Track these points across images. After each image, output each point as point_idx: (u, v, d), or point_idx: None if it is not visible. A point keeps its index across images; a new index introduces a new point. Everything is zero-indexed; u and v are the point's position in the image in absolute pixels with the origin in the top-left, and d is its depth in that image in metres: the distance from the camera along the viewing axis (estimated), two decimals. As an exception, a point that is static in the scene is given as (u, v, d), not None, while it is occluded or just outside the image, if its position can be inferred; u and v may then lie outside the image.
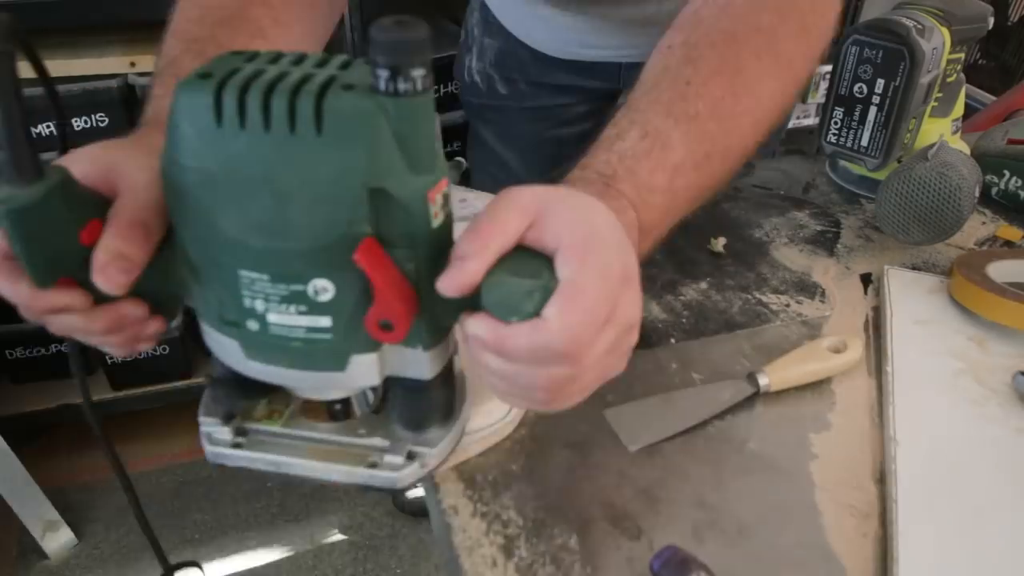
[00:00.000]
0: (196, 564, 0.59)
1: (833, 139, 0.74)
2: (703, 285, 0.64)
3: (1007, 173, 0.75)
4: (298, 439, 0.43)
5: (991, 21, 0.72)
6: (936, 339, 0.56)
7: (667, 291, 0.63)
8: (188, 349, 1.50)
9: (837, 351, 0.54)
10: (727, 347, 0.57)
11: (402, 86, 0.31)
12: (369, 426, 0.43)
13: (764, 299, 0.63)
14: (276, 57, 0.34)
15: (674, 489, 0.46)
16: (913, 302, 0.60)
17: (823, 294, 0.63)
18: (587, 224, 0.35)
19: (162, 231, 0.36)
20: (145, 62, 1.24)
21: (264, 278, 0.34)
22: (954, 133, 0.76)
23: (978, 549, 0.42)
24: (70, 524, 1.40)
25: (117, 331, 0.38)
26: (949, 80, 0.72)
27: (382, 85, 0.31)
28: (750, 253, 0.68)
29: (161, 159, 0.34)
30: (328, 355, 0.36)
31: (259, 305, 0.35)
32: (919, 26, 0.66)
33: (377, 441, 0.42)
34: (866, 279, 0.65)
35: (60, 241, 0.35)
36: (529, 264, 0.34)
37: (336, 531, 1.46)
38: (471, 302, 0.34)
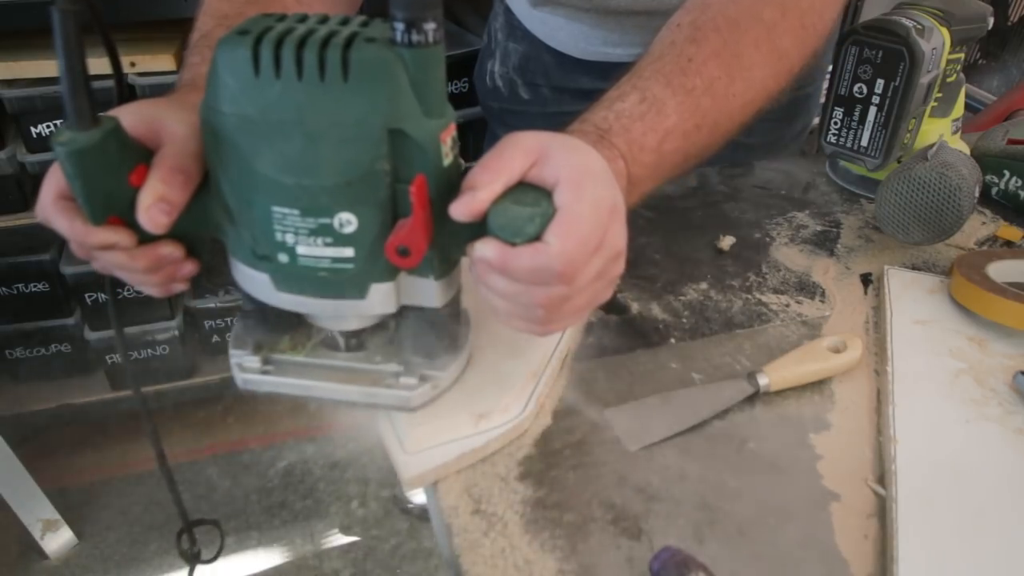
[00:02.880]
0: (215, 523, 0.63)
1: (833, 139, 0.74)
2: (703, 285, 0.64)
3: (1007, 173, 0.75)
4: (320, 367, 0.47)
5: (991, 21, 0.72)
6: (936, 339, 0.56)
7: (667, 291, 0.63)
8: (188, 350, 1.50)
9: (837, 351, 0.54)
10: (727, 347, 0.57)
11: (416, 37, 0.36)
12: (384, 354, 0.47)
13: (764, 299, 0.63)
14: (303, 18, 0.39)
15: (674, 489, 0.46)
16: (913, 302, 0.60)
17: (823, 294, 0.63)
18: (582, 163, 0.40)
19: (199, 178, 0.41)
20: (145, 62, 1.24)
21: (295, 213, 0.38)
22: (954, 133, 0.76)
23: (978, 549, 0.42)
24: (70, 524, 1.40)
25: (156, 270, 0.43)
26: (949, 80, 0.72)
27: (399, 37, 0.36)
28: (750, 253, 0.69)
29: (201, 109, 0.39)
30: (351, 284, 0.41)
31: (289, 239, 0.39)
32: (919, 26, 0.66)
33: (392, 366, 0.46)
34: (866, 279, 0.65)
35: (112, 182, 0.39)
36: (531, 195, 0.39)
37: (337, 531, 1.46)
38: (476, 234, 0.39)
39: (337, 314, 0.45)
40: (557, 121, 0.91)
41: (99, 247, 0.41)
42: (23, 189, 1.32)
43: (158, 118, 0.41)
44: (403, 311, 0.45)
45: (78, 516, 1.44)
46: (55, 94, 1.22)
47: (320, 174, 0.37)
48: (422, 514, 1.47)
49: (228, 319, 1.55)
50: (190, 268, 0.44)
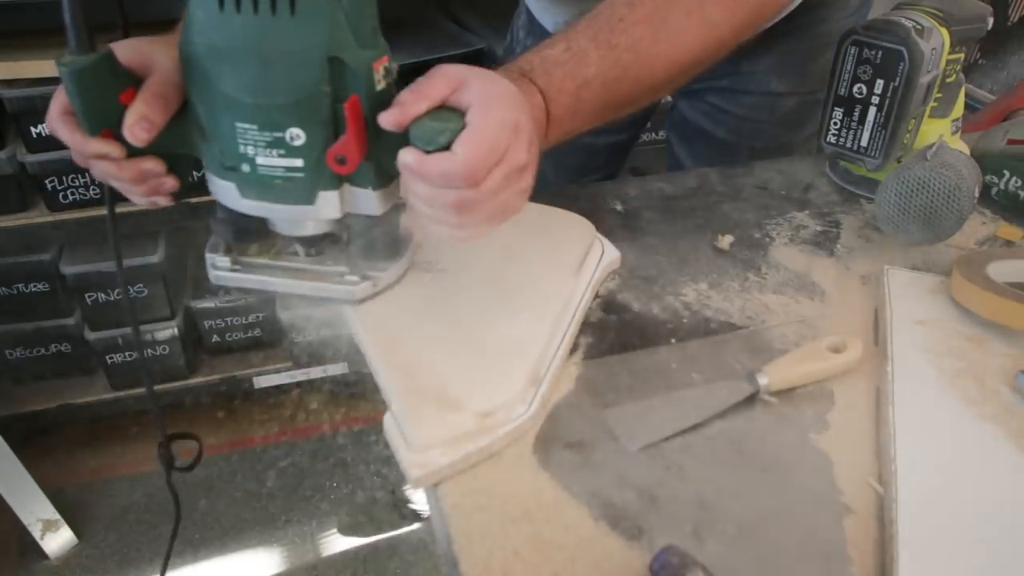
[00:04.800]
0: (194, 437, 0.69)
1: (833, 139, 0.74)
2: (703, 285, 0.64)
3: (1007, 173, 0.75)
4: (281, 268, 0.57)
5: (991, 21, 0.72)
6: (936, 339, 0.56)
7: (667, 291, 0.63)
8: (188, 350, 1.50)
9: (837, 351, 0.54)
10: (727, 347, 0.57)
11: None
12: (336, 260, 0.56)
13: (764, 299, 0.63)
14: None
15: (674, 489, 0.46)
16: (913, 302, 0.60)
17: (823, 294, 0.63)
18: (493, 89, 0.48)
19: (178, 104, 0.49)
20: None
21: (254, 128, 0.46)
22: (954, 133, 0.76)
23: (978, 549, 0.42)
24: (70, 524, 1.40)
25: (140, 182, 0.51)
26: (948, 80, 0.72)
27: None
28: (750, 253, 0.69)
29: (179, 40, 0.46)
30: (301, 190, 0.49)
31: (250, 151, 0.47)
32: (918, 26, 0.66)
33: (341, 268, 0.56)
34: (866, 279, 0.65)
35: (104, 100, 0.47)
36: (447, 114, 0.46)
37: (336, 531, 1.46)
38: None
39: (292, 218, 0.53)
40: None
41: (93, 156, 0.49)
42: (23, 189, 1.32)
43: (148, 52, 0.49)
44: (353, 225, 0.55)
45: (78, 516, 1.44)
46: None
47: (273, 94, 0.45)
48: (423, 515, 1.47)
49: (228, 319, 1.55)
50: (171, 183, 0.52)
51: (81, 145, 0.49)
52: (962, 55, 0.72)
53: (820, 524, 0.44)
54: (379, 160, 0.49)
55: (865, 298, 0.63)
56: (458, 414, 0.48)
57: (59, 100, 0.49)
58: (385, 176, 0.50)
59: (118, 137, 0.48)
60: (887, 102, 0.68)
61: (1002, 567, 0.41)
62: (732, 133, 0.91)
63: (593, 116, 0.58)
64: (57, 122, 0.49)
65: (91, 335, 1.44)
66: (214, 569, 1.40)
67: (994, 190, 0.76)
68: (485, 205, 0.48)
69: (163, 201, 0.54)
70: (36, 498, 1.34)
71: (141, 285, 1.40)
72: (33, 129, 1.26)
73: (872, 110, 0.69)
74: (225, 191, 0.50)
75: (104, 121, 0.48)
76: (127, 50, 0.49)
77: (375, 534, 1.46)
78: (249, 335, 1.59)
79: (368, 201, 0.51)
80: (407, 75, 0.49)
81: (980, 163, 0.67)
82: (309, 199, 0.49)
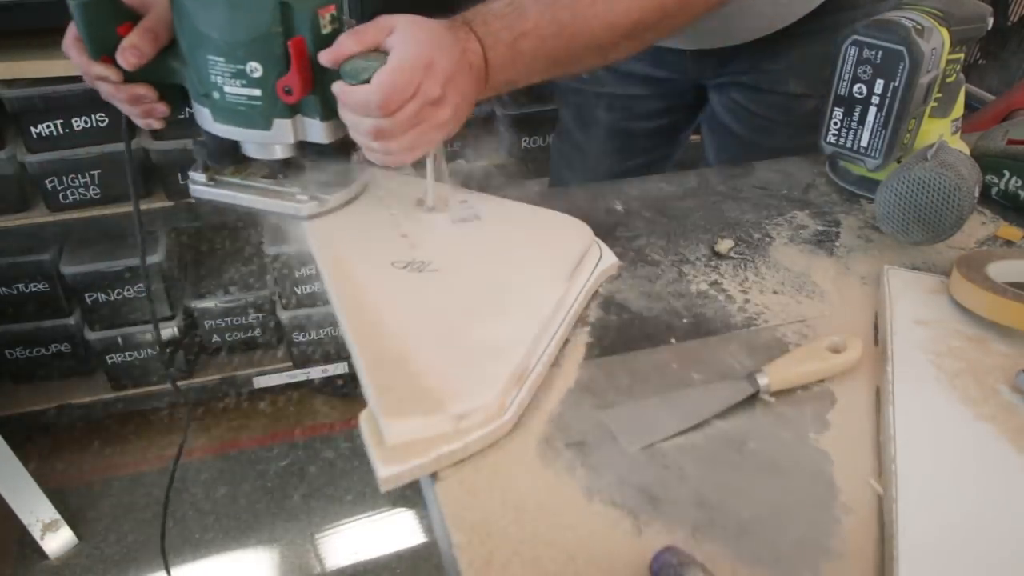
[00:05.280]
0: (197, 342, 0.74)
1: (833, 139, 0.74)
2: (703, 286, 0.64)
3: (1007, 173, 0.75)
4: (248, 187, 0.66)
5: (991, 21, 0.72)
6: (936, 339, 0.56)
7: (667, 291, 0.63)
8: (188, 350, 1.50)
9: (837, 351, 0.54)
10: (727, 347, 0.57)
11: None
12: (295, 182, 0.66)
13: (764, 299, 0.63)
14: None
15: (674, 489, 0.46)
16: (913, 302, 0.60)
17: (823, 294, 0.63)
18: (415, 33, 0.54)
19: (166, 39, 0.58)
20: None
21: (221, 60, 0.56)
22: (954, 133, 0.76)
23: (978, 549, 0.42)
24: (70, 524, 1.40)
25: (136, 104, 0.60)
26: (949, 80, 0.72)
27: None
28: (750, 253, 0.69)
29: None
30: (260, 117, 0.58)
31: (219, 80, 0.57)
32: (918, 26, 0.66)
33: (296, 189, 0.65)
34: (866, 279, 0.65)
35: (105, 30, 0.56)
36: (374, 55, 0.54)
37: (337, 531, 1.46)
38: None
39: (254, 141, 0.61)
40: (610, 103, 1.02)
41: (96, 77, 0.58)
42: (23, 189, 1.32)
43: None
44: (308, 148, 0.61)
45: (78, 516, 1.44)
46: (55, 94, 1.22)
47: (236, 32, 0.54)
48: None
49: (228, 319, 1.55)
50: (162, 109, 0.61)
51: (86, 67, 0.58)
52: (962, 55, 0.72)
53: (820, 524, 0.44)
54: (324, 94, 0.57)
55: (865, 298, 0.63)
56: (434, 416, 0.47)
57: (73, 28, 0.57)
58: (331, 109, 0.58)
59: (118, 64, 0.57)
60: (887, 102, 0.68)
61: (1001, 567, 0.41)
62: (751, 131, 0.92)
63: (534, 67, 0.62)
64: (70, 46, 0.58)
65: (91, 335, 1.44)
66: (214, 569, 1.40)
67: (994, 190, 0.76)
68: (400, 134, 0.55)
69: (156, 124, 0.62)
70: (36, 498, 1.34)
71: (141, 285, 1.40)
72: (33, 129, 1.26)
73: (872, 110, 0.69)
74: (202, 116, 0.60)
75: (104, 48, 0.57)
76: None
77: (376, 535, 1.46)
78: (249, 335, 1.59)
79: (316, 130, 0.60)
80: None
81: (980, 163, 0.67)
82: (267, 125, 0.59)
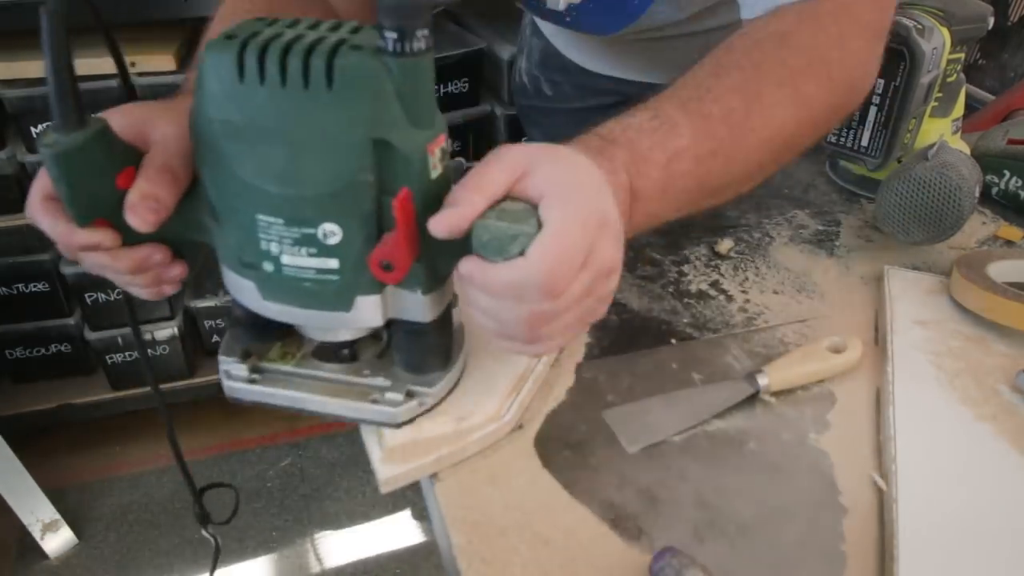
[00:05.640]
0: (229, 485, 0.63)
1: (833, 139, 0.74)
2: (703, 286, 0.64)
3: (1007, 173, 0.75)
4: (308, 378, 0.47)
5: (991, 21, 0.72)
6: (936, 339, 0.56)
7: (667, 291, 0.63)
8: (188, 350, 1.50)
9: (837, 351, 0.54)
10: (727, 347, 0.57)
11: (405, 46, 0.35)
12: (374, 368, 0.47)
13: (764, 299, 0.63)
14: (294, 23, 0.38)
15: (674, 489, 0.46)
16: (913, 302, 0.60)
17: (823, 294, 0.63)
18: (569, 176, 0.39)
19: (188, 179, 0.41)
20: (145, 62, 1.24)
21: (279, 222, 0.38)
22: (954, 133, 0.76)
23: (978, 548, 0.42)
24: (70, 524, 1.40)
25: (142, 272, 0.43)
26: (949, 80, 0.72)
27: (388, 46, 0.35)
28: (750, 253, 0.69)
29: (191, 112, 0.38)
30: (335, 295, 0.41)
31: (274, 247, 0.39)
32: (919, 26, 0.65)
33: (380, 381, 0.46)
34: (866, 279, 0.65)
35: (98, 184, 0.39)
36: (516, 212, 0.38)
37: (338, 533, 1.46)
38: (465, 249, 0.38)
39: (323, 325, 0.45)
40: (581, 117, 0.95)
41: (82, 248, 0.41)
42: (23, 189, 1.32)
43: (149, 120, 0.41)
44: (396, 325, 0.44)
45: (78, 516, 1.44)
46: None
47: (304, 183, 0.37)
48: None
49: (228, 319, 1.55)
50: (178, 271, 0.44)
51: (67, 236, 0.41)
52: (962, 55, 0.72)
53: (820, 524, 0.44)
54: (432, 259, 0.40)
55: (865, 298, 0.63)
56: (435, 417, 0.47)
57: (40, 183, 0.41)
58: (438, 277, 0.42)
59: (114, 224, 0.40)
60: (888, 102, 0.68)
61: (1001, 566, 0.41)
62: None
63: (684, 197, 0.49)
64: (37, 209, 0.41)
65: (91, 335, 1.44)
66: (213, 568, 1.40)
67: (994, 190, 0.76)
68: (564, 318, 0.40)
69: (169, 291, 0.46)
70: (36, 498, 1.34)
71: (141, 285, 1.41)
72: (33, 129, 1.26)
73: (872, 110, 0.69)
74: (243, 289, 0.42)
75: (97, 208, 0.40)
76: (122, 119, 0.41)
77: (378, 536, 1.46)
78: (249, 335, 1.59)
79: (416, 306, 0.42)
80: None
81: (980, 163, 0.67)
82: (345, 305, 0.41)
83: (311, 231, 0.38)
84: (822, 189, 0.79)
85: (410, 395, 0.46)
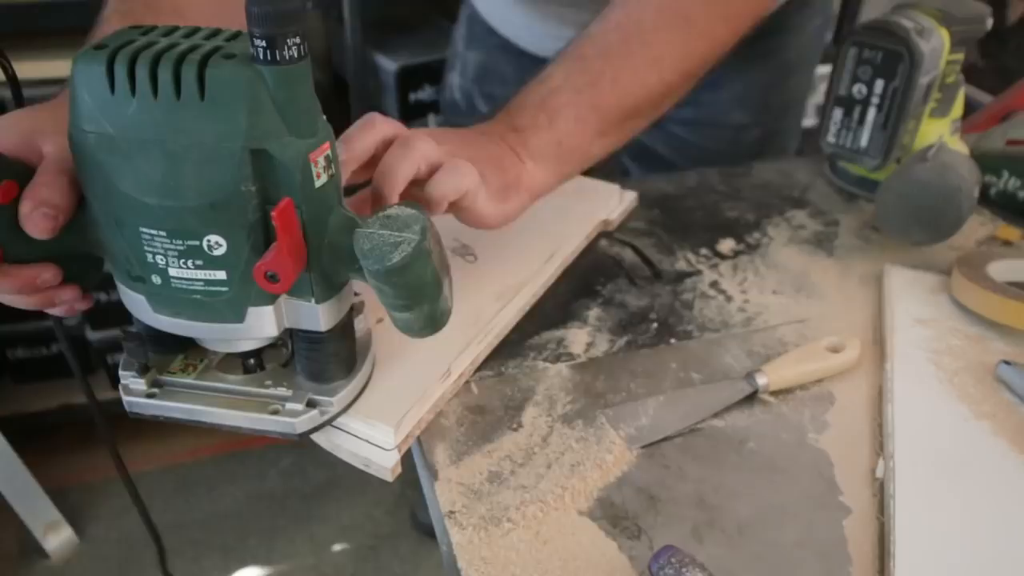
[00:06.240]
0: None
1: (832, 140, 0.74)
2: (702, 286, 0.64)
3: (1006, 173, 0.75)
4: (209, 390, 0.46)
5: (990, 22, 0.72)
6: (936, 338, 0.57)
7: (667, 290, 0.63)
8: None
9: (836, 351, 0.54)
10: (726, 347, 0.57)
11: (276, 55, 0.34)
12: (276, 378, 0.46)
13: (763, 299, 0.63)
14: (170, 31, 0.37)
15: (674, 489, 0.46)
16: (913, 301, 0.60)
17: (822, 294, 0.64)
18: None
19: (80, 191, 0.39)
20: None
21: (162, 235, 0.37)
22: (953, 134, 0.76)
23: (977, 547, 0.42)
24: (71, 524, 1.40)
25: (29, 293, 0.41)
26: (948, 81, 0.72)
27: (260, 55, 0.34)
28: (749, 253, 0.69)
29: (68, 125, 0.37)
30: (226, 307, 0.40)
31: (160, 260, 0.38)
32: (918, 27, 0.66)
33: (281, 391, 0.45)
34: (865, 279, 0.66)
35: None
36: (401, 218, 0.39)
37: (337, 531, 1.46)
38: (355, 258, 0.38)
39: (218, 337, 0.44)
40: None
41: None
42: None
43: (37, 129, 0.40)
44: (295, 334, 0.44)
45: (79, 516, 1.44)
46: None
47: (183, 195, 0.36)
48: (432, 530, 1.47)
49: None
50: (69, 294, 0.42)
51: None
52: (962, 55, 0.72)
53: (820, 524, 0.44)
54: (322, 268, 0.40)
55: (864, 298, 0.63)
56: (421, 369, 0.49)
57: None
58: (331, 286, 0.41)
59: None
60: (887, 102, 0.68)
61: (999, 565, 0.41)
62: (696, 163, 0.88)
63: (584, 126, 0.54)
64: None
65: (92, 335, 1.44)
66: (214, 569, 1.40)
67: (993, 190, 0.76)
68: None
69: (63, 311, 0.44)
70: (37, 498, 1.34)
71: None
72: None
73: (872, 110, 0.69)
74: (135, 303, 0.41)
75: None
76: (8, 134, 0.39)
77: (376, 533, 1.46)
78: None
79: (311, 315, 0.42)
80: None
81: (979, 163, 0.67)
82: (237, 316, 0.40)
83: (195, 243, 0.37)
84: (821, 190, 0.79)
85: (311, 404, 0.45)
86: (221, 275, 0.38)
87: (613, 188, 0.72)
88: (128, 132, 0.35)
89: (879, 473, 0.47)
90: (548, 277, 0.62)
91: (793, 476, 0.47)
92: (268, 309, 0.40)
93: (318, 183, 0.38)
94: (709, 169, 0.82)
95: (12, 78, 0.44)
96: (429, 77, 1.44)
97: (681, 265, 0.67)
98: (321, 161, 0.38)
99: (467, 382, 0.53)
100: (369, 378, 0.48)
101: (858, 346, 0.54)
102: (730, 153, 0.88)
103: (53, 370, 1.50)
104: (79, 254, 0.42)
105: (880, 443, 0.49)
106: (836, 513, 0.45)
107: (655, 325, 0.60)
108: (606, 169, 0.87)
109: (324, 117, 0.39)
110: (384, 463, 0.46)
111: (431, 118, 1.48)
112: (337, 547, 1.44)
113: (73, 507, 1.44)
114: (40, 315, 1.54)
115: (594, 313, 0.61)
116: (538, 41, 0.87)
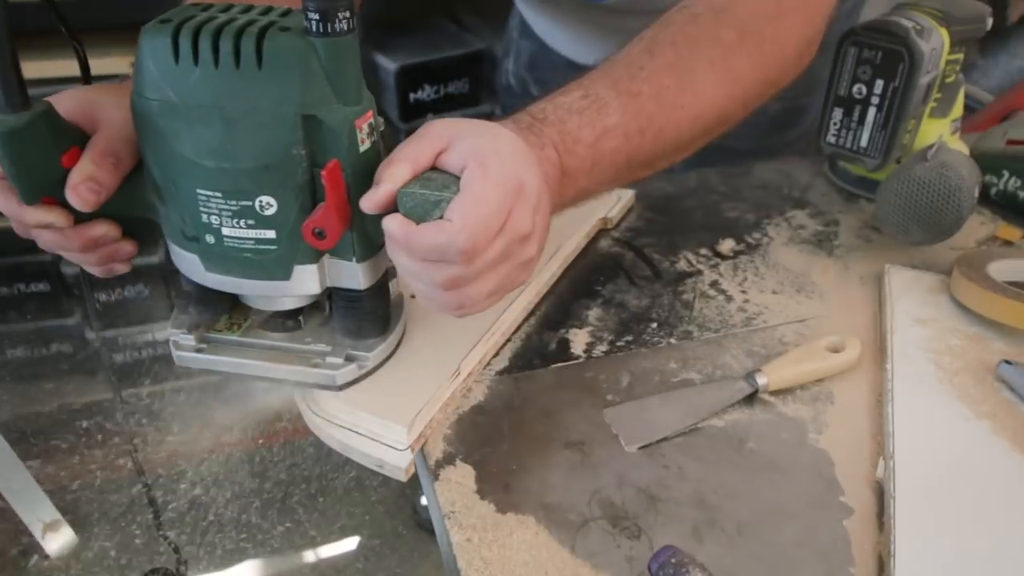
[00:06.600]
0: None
1: (832, 140, 0.74)
2: (703, 286, 0.64)
3: (1006, 173, 0.75)
4: (253, 346, 0.50)
5: (990, 21, 0.72)
6: (936, 338, 0.56)
7: (667, 290, 0.63)
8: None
9: (836, 351, 0.54)
10: (726, 347, 0.57)
11: (328, 27, 0.38)
12: (316, 336, 0.50)
13: (763, 299, 0.63)
14: (228, 7, 0.41)
15: (674, 489, 0.46)
16: (913, 301, 0.60)
17: (822, 294, 0.63)
18: (490, 147, 0.41)
19: (132, 162, 0.43)
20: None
21: (218, 196, 0.41)
22: (953, 134, 0.76)
23: (976, 547, 0.42)
24: (71, 524, 1.40)
25: (92, 249, 0.46)
26: (948, 81, 0.72)
27: (312, 27, 0.38)
28: (749, 253, 0.69)
29: (131, 94, 0.41)
30: (274, 264, 0.44)
31: (214, 220, 0.42)
32: (918, 27, 0.66)
33: (321, 347, 0.49)
34: (865, 279, 0.65)
35: (43, 163, 0.42)
36: (438, 180, 0.41)
37: (337, 531, 1.46)
38: None
39: (265, 294, 0.47)
40: None
41: (34, 226, 0.44)
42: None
43: (96, 104, 0.44)
44: (335, 294, 0.48)
45: (78, 516, 1.44)
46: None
47: (239, 158, 0.40)
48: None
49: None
50: (128, 249, 0.47)
51: (19, 214, 0.43)
52: (962, 55, 0.72)
53: (820, 524, 0.44)
54: (364, 229, 0.43)
55: (864, 298, 0.63)
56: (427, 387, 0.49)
57: None
58: (371, 246, 0.45)
59: (63, 203, 0.42)
60: (887, 102, 0.68)
61: (1000, 565, 0.41)
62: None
63: (613, 172, 0.51)
64: None
65: (91, 335, 1.44)
66: (214, 569, 1.40)
67: (993, 190, 0.76)
68: (481, 281, 0.42)
69: (121, 268, 0.48)
70: (37, 498, 1.34)
71: (142, 285, 1.41)
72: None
73: (872, 110, 0.69)
74: (188, 262, 0.45)
75: (43, 187, 0.42)
76: (70, 102, 0.43)
77: (376, 533, 1.46)
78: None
79: (352, 274, 0.45)
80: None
81: (979, 163, 0.67)
82: (284, 274, 0.44)
83: (248, 203, 0.41)
84: (821, 189, 0.79)
85: (349, 359, 0.49)
86: (271, 234, 0.42)
87: None
88: (189, 99, 0.39)
89: (879, 473, 0.47)
90: (551, 275, 0.62)
91: (793, 476, 0.47)
92: (312, 267, 0.44)
93: (362, 148, 0.42)
94: (709, 169, 0.82)
95: (84, 65, 0.48)
96: (429, 77, 1.44)
97: (681, 265, 0.67)
98: (365, 128, 0.42)
99: (468, 382, 0.53)
100: (401, 339, 0.52)
101: (858, 346, 0.54)
102: (750, 125, 0.89)
103: (52, 370, 1.50)
104: (133, 217, 0.46)
105: (880, 443, 0.49)
106: (836, 513, 0.45)
107: (655, 325, 0.60)
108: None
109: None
110: (398, 463, 0.46)
111: (430, 118, 1.48)
112: (337, 546, 1.44)
113: (72, 507, 1.44)
114: (39, 315, 1.54)
115: (594, 313, 0.61)
116: (577, 54, 0.89)
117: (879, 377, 0.54)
